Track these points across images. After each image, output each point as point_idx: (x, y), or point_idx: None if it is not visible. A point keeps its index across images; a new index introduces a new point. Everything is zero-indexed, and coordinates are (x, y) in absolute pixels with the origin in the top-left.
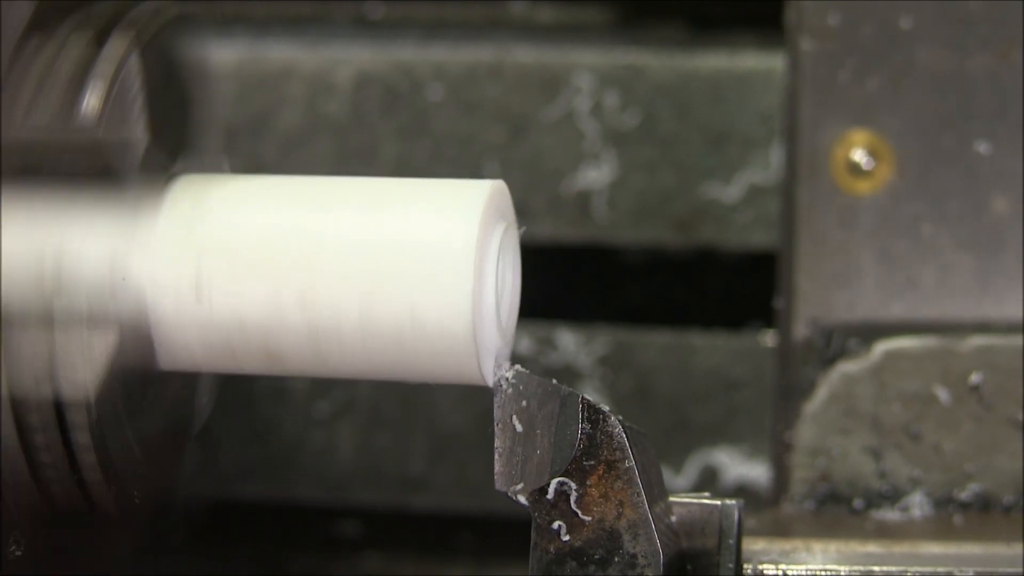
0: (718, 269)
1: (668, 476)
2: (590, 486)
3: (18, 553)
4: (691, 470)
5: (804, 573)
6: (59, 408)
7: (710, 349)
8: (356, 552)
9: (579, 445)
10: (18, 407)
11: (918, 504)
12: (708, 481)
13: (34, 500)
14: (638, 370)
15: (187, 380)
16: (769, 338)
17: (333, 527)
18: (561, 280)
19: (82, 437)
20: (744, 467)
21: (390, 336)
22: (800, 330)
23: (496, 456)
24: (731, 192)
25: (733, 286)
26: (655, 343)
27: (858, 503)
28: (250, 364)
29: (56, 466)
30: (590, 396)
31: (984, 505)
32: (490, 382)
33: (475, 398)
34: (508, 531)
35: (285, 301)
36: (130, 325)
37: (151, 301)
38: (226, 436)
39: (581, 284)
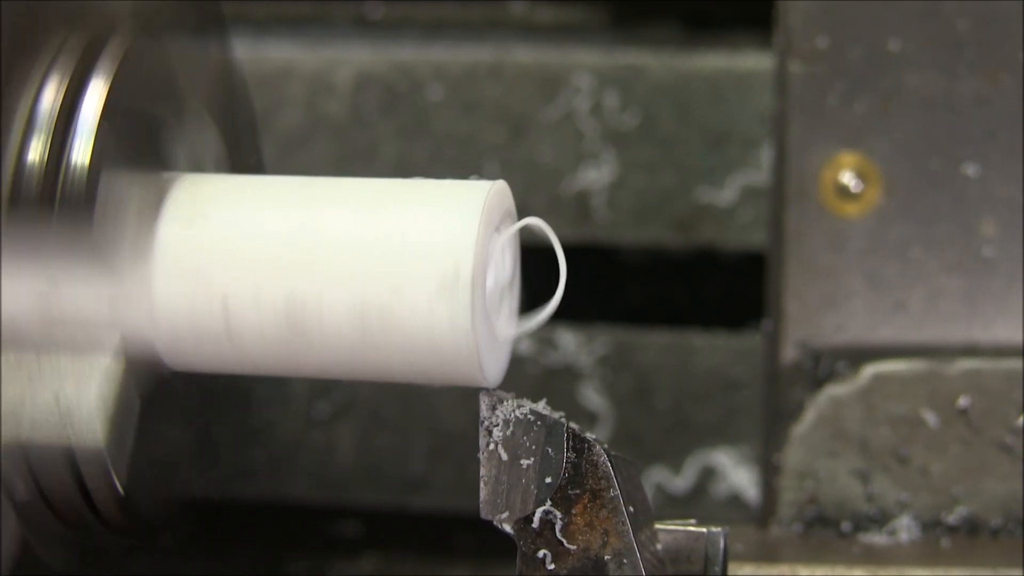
0: (718, 269)
1: (667, 476)
2: (575, 515)
3: None
4: (690, 470)
5: None
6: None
7: (710, 349)
8: (356, 552)
9: (564, 474)
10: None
11: (906, 527)
12: (707, 482)
13: (45, 518)
14: (638, 370)
15: (188, 381)
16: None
17: (333, 527)
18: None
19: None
20: (743, 468)
21: (390, 338)
22: (788, 353)
23: (482, 484)
24: (731, 192)
25: (733, 286)
26: (655, 343)
27: (846, 526)
28: (249, 364)
29: (59, 475)
30: (590, 396)
31: (972, 529)
32: (488, 383)
33: (475, 398)
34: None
35: (283, 302)
36: (131, 326)
37: (152, 301)
38: (226, 436)
39: (581, 284)
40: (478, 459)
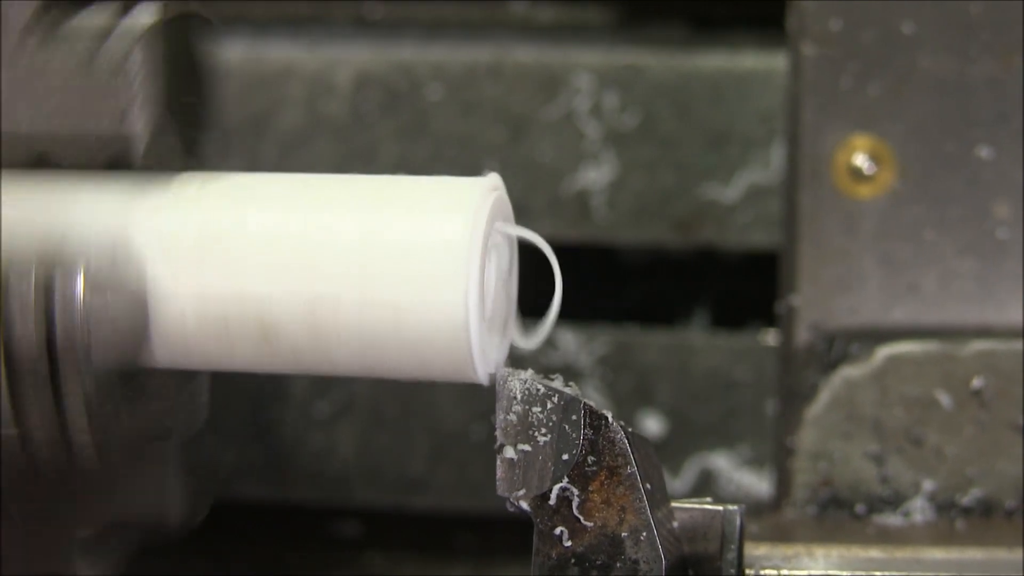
0: (718, 269)
1: (667, 477)
2: (592, 492)
3: None
4: (691, 470)
5: None
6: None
7: (710, 349)
8: (356, 552)
9: (581, 451)
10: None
11: (920, 509)
12: (708, 482)
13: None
14: (638, 370)
15: (188, 380)
16: (770, 338)
17: (333, 527)
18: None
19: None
20: (744, 467)
21: (386, 334)
22: (802, 335)
23: (498, 462)
24: (731, 192)
25: (733, 286)
26: (655, 343)
27: (860, 508)
28: (247, 361)
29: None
30: (590, 396)
31: (986, 510)
32: (485, 380)
33: (475, 398)
34: (508, 531)
35: (280, 298)
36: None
37: (150, 299)
38: (226, 436)
39: (581, 284)
40: (493, 437)
